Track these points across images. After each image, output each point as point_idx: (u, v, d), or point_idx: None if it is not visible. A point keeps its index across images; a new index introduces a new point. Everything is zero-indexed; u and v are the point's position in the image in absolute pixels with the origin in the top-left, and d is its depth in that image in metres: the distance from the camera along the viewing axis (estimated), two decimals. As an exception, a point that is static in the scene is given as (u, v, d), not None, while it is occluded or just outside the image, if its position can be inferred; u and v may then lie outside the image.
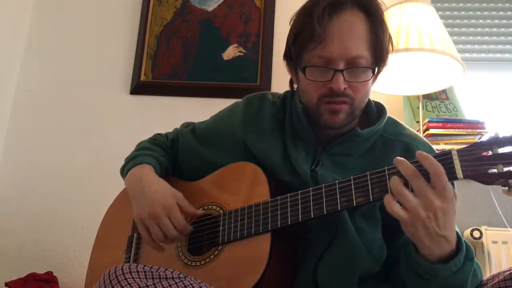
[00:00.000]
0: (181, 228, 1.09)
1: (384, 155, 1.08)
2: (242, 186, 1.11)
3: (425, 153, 0.85)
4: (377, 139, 1.11)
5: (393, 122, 1.16)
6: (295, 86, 1.19)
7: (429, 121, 1.93)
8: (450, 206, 0.83)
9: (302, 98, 1.11)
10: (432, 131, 1.91)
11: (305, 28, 1.04)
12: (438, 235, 0.84)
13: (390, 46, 1.09)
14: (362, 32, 1.03)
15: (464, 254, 0.88)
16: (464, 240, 0.90)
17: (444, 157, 0.86)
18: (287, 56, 1.13)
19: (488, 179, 0.83)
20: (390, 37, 1.08)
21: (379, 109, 1.15)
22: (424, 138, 1.15)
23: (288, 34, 1.11)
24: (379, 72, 1.09)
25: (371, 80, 1.06)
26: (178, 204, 1.11)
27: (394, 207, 0.84)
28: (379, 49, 1.05)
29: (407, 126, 1.17)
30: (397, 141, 1.10)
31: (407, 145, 1.09)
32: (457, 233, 0.89)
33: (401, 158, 0.86)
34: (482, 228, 1.78)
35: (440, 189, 0.82)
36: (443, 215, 0.82)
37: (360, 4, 1.04)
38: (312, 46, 1.02)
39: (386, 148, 1.09)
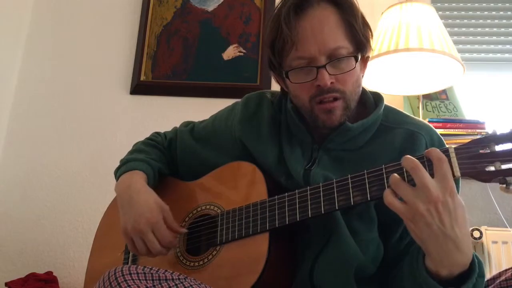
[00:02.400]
0: (165, 243, 1.08)
1: (386, 144, 1.05)
2: (240, 185, 1.10)
3: (433, 149, 0.82)
4: (378, 129, 1.08)
5: (395, 111, 1.13)
6: None
7: (429, 121, 1.92)
8: (451, 200, 0.78)
9: (295, 103, 1.10)
10: (432, 131, 1.91)
11: (277, 34, 1.03)
12: (445, 235, 0.78)
13: (368, 29, 1.07)
14: (335, 23, 1.01)
15: (477, 273, 0.82)
16: (475, 255, 0.84)
17: None
18: (270, 66, 1.11)
19: (485, 177, 0.82)
20: (364, 21, 1.06)
21: (376, 99, 1.13)
22: (431, 126, 1.09)
23: (266, 44, 1.09)
24: (364, 58, 1.08)
25: (357, 68, 1.04)
26: (164, 219, 1.10)
27: (391, 199, 0.81)
28: (356, 35, 1.02)
29: (410, 114, 1.13)
30: (400, 129, 1.07)
31: (410, 132, 1.05)
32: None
33: (407, 155, 0.83)
34: (482, 228, 1.78)
35: (440, 177, 0.79)
36: (446, 209, 0.78)
37: None
38: (288, 50, 1.01)
39: (388, 137, 1.06)
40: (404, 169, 0.84)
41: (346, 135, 1.06)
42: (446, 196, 0.78)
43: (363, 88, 1.11)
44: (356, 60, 1.03)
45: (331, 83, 1.00)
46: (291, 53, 1.01)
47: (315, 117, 1.04)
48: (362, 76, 1.10)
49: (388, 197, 0.82)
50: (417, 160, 0.81)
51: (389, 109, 1.12)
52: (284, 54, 1.03)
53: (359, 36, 1.03)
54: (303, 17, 1.01)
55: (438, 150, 0.82)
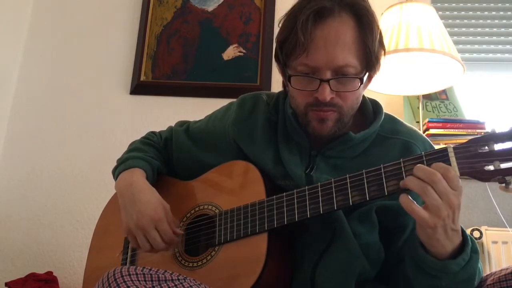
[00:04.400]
0: (168, 240, 1.09)
1: (382, 153, 1.06)
2: (237, 185, 1.10)
3: (439, 164, 0.84)
4: (374, 138, 1.09)
5: (390, 118, 1.14)
6: None
7: (429, 121, 1.93)
8: (460, 201, 0.84)
9: (291, 104, 1.09)
10: (432, 131, 1.91)
11: (289, 35, 1.00)
12: (452, 230, 0.84)
13: (382, 51, 1.05)
14: (350, 39, 0.98)
15: (470, 246, 0.88)
16: (466, 233, 0.90)
17: (440, 155, 0.86)
18: (277, 59, 1.09)
19: (484, 176, 0.83)
20: (381, 42, 1.04)
21: (375, 108, 1.13)
22: (423, 134, 1.12)
23: (276, 38, 1.08)
24: (370, 77, 1.07)
25: (361, 87, 1.03)
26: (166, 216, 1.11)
27: (414, 207, 0.82)
28: (368, 56, 1.00)
29: (405, 122, 1.14)
30: (395, 139, 1.08)
31: (405, 143, 1.06)
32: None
33: (420, 164, 0.85)
34: (482, 228, 1.78)
35: (454, 187, 0.82)
36: (458, 211, 0.83)
37: (349, 8, 1.00)
38: (297, 54, 0.99)
39: (384, 147, 1.07)
40: (414, 171, 0.85)
41: (347, 144, 1.07)
42: (459, 201, 0.83)
43: (362, 95, 1.11)
44: (362, 83, 1.01)
45: (331, 98, 0.99)
46: (299, 58, 0.99)
47: (307, 122, 1.04)
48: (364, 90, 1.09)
49: (414, 207, 0.83)
50: (436, 172, 0.82)
51: (384, 117, 1.11)
52: (292, 56, 1.01)
53: (370, 57, 1.01)
54: (321, 26, 0.98)
55: (445, 166, 0.84)
